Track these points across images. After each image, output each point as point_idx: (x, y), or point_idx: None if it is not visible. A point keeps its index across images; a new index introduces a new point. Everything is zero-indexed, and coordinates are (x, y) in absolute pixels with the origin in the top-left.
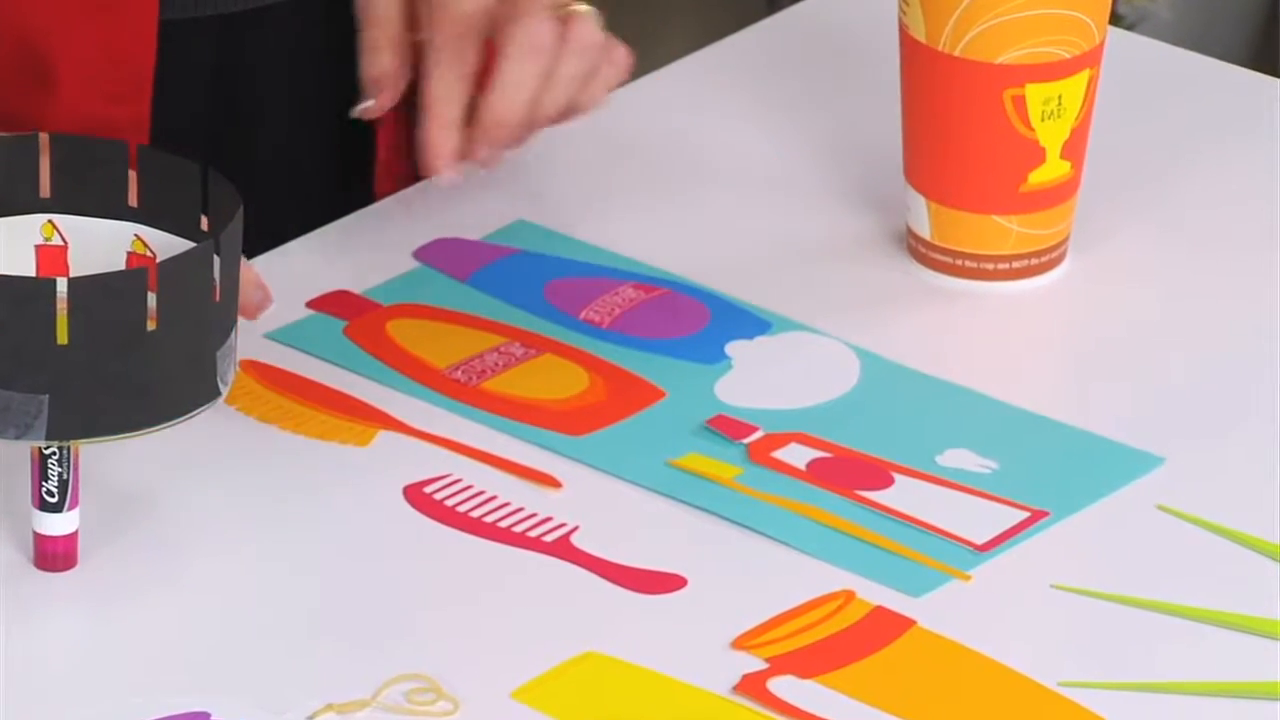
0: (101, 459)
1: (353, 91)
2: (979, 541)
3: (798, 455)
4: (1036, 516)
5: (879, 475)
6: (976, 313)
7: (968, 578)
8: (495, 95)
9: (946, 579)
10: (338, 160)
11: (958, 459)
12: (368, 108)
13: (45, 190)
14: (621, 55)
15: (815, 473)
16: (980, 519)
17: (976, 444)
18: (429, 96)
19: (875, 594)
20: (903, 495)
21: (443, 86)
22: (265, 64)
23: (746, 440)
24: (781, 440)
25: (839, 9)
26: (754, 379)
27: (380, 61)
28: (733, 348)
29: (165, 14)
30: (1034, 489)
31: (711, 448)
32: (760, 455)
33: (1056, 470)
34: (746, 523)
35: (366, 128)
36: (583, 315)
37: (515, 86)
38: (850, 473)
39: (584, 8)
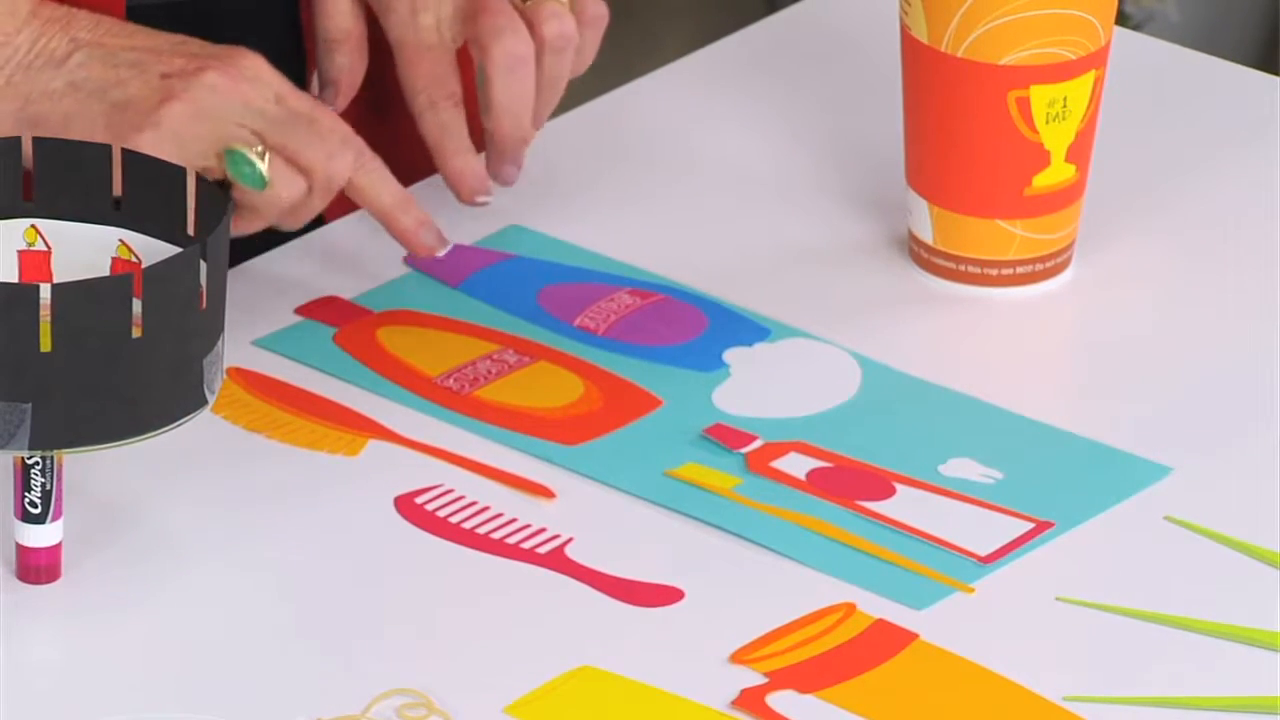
0: (85, 469)
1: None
2: (983, 553)
3: (797, 465)
4: (1041, 528)
5: (880, 485)
6: (980, 319)
7: (971, 590)
8: (496, 120)
9: (949, 591)
10: None
11: (961, 468)
12: (325, 96)
13: (28, 194)
14: (597, 13)
15: (815, 483)
16: (984, 530)
17: (980, 453)
18: (430, 134)
19: (877, 607)
20: (905, 506)
21: (439, 120)
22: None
23: (745, 450)
24: (781, 450)
25: (839, 9)
26: (753, 387)
27: (335, 61)
28: (731, 355)
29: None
30: (1039, 499)
31: (709, 457)
32: (759, 465)
33: (1062, 480)
34: (745, 534)
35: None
36: (577, 322)
37: (511, 107)
38: (851, 483)
39: None
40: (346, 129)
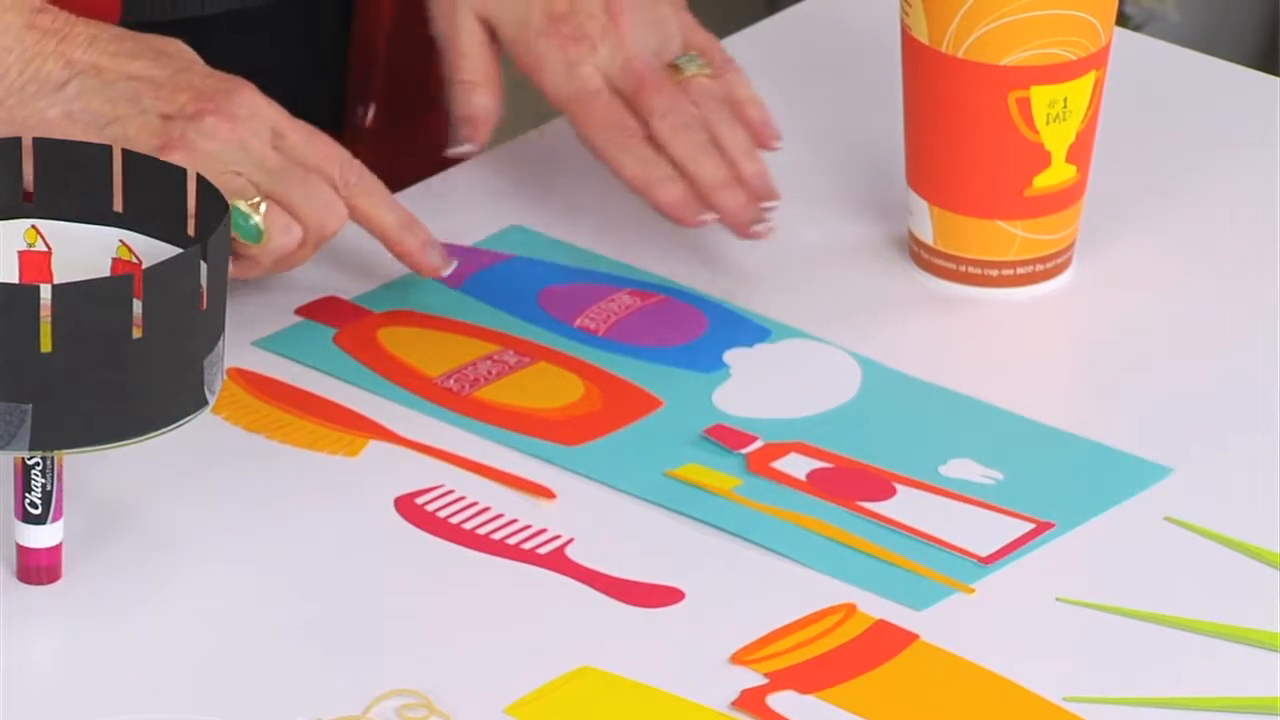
0: (86, 469)
1: (319, 101)
2: (983, 554)
3: (798, 465)
4: (1042, 528)
5: (881, 486)
6: (980, 320)
7: (971, 590)
8: (699, 179)
9: (950, 592)
10: None
11: (961, 469)
12: (463, 150)
13: (29, 195)
14: (733, 68)
15: (815, 483)
16: (984, 531)
17: (980, 454)
18: (633, 174)
19: (877, 607)
20: (905, 506)
21: (636, 158)
22: (230, 69)
23: (745, 450)
24: (781, 450)
25: (840, 10)
26: (753, 388)
27: (475, 100)
28: (731, 355)
29: (128, 17)
30: (1039, 500)
31: (710, 458)
32: (759, 466)
33: (1062, 481)
34: (745, 534)
35: (323, 128)
36: (578, 323)
37: (700, 164)
38: (851, 483)
39: (692, 68)
40: (342, 152)
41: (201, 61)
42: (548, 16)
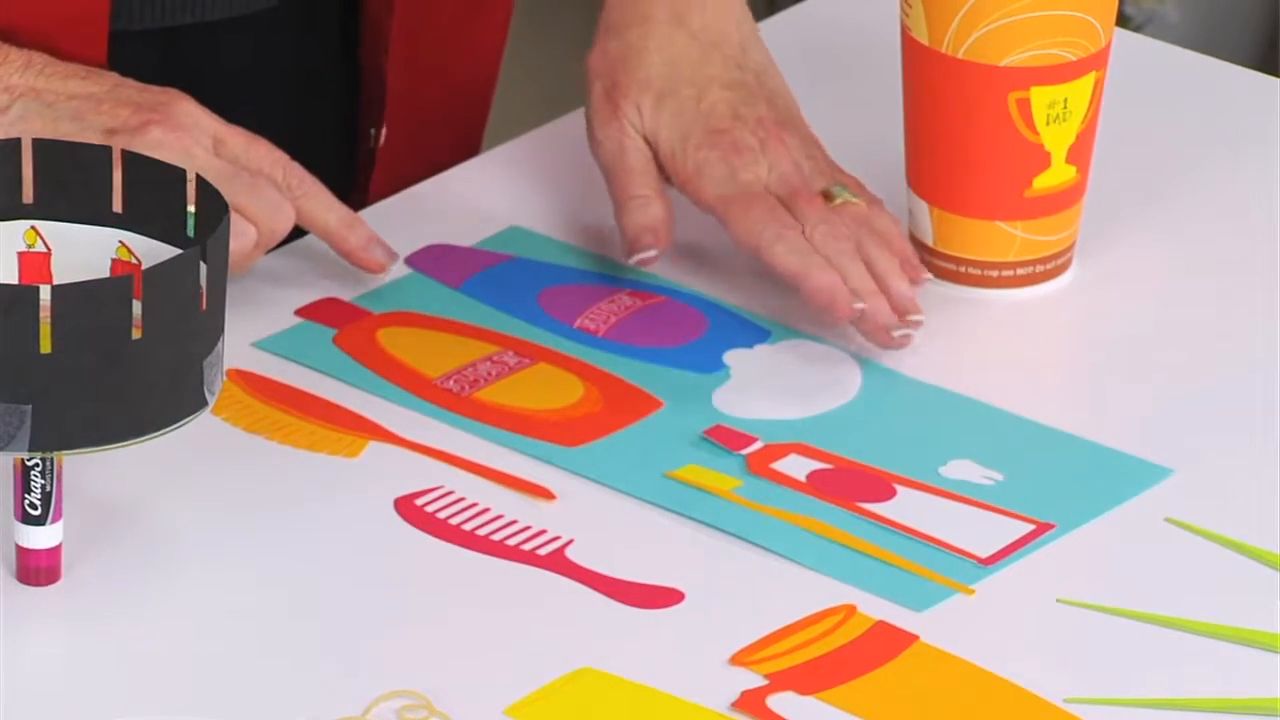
0: (85, 470)
1: (304, 107)
2: (983, 555)
3: (798, 466)
4: (1042, 529)
5: (881, 487)
6: (980, 321)
7: (971, 591)
8: (847, 282)
9: (950, 593)
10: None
11: (961, 470)
12: (648, 257)
13: (28, 196)
14: (880, 205)
15: (816, 484)
16: (985, 532)
17: (981, 455)
18: (788, 265)
19: (877, 608)
20: (905, 507)
21: (790, 248)
22: (212, 77)
23: (745, 451)
24: (781, 451)
25: (840, 10)
26: (753, 388)
27: (651, 211)
28: (731, 356)
29: (113, 25)
30: (1040, 501)
31: (710, 459)
32: (759, 467)
33: (1063, 482)
34: (746, 535)
35: (326, 141)
36: (578, 323)
37: (849, 269)
38: (851, 484)
39: (844, 195)
40: (282, 156)
41: (129, 79)
42: (707, 130)
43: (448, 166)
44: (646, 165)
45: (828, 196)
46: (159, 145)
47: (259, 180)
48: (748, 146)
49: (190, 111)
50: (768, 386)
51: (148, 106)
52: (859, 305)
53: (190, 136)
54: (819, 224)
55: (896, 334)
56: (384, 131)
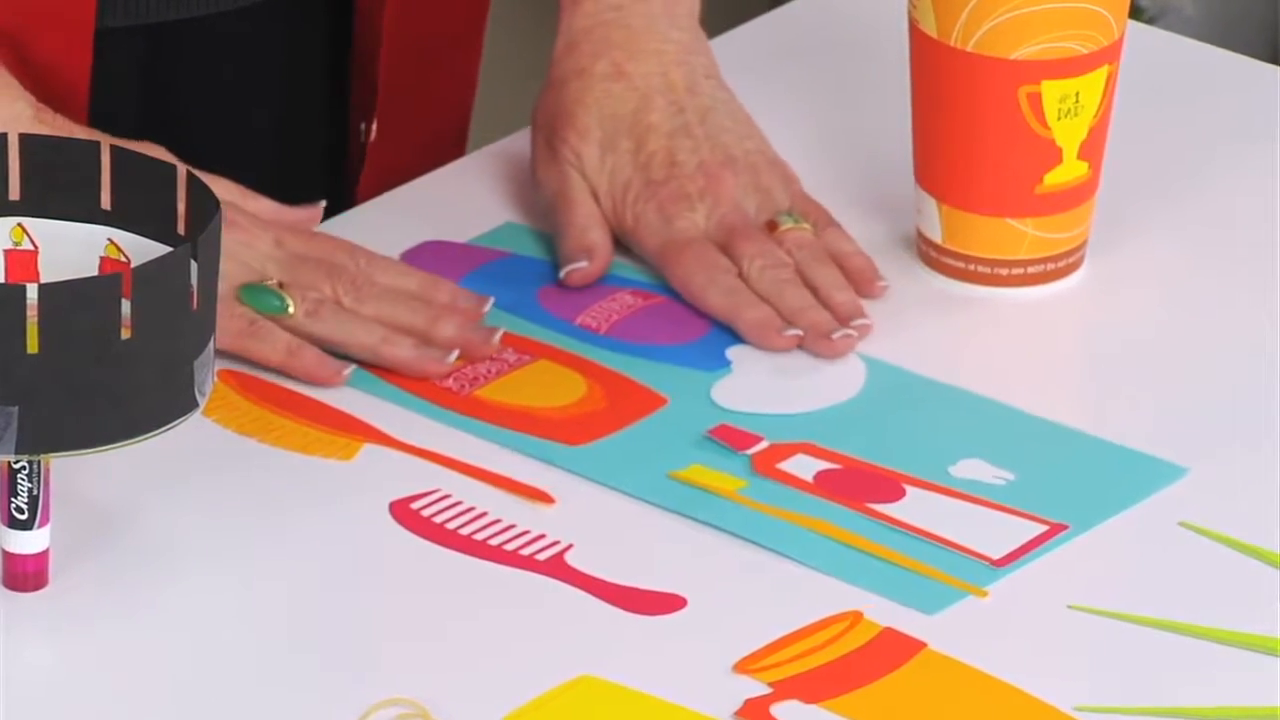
0: (73, 473)
1: (293, 103)
2: (996, 556)
3: (804, 466)
4: (1055, 530)
5: (890, 487)
6: (990, 320)
7: (984, 594)
8: (783, 307)
9: (962, 595)
10: (281, 171)
11: (972, 470)
12: (579, 268)
13: (15, 192)
14: (836, 228)
15: (823, 485)
16: (997, 533)
17: (991, 454)
18: (719, 306)
19: (886, 612)
20: (915, 508)
21: (722, 289)
22: (199, 73)
23: (750, 451)
24: (787, 451)
25: (845, 2)
26: (756, 383)
27: (591, 235)
28: (734, 351)
29: (99, 22)
30: (1053, 501)
31: (714, 459)
32: (765, 467)
33: (1076, 481)
34: (751, 537)
35: (315, 137)
36: (579, 321)
37: (785, 295)
38: (860, 485)
39: (788, 223)
40: (351, 245)
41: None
42: (645, 182)
43: (438, 163)
44: (587, 198)
45: (773, 226)
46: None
47: (323, 263)
48: (684, 195)
49: (245, 212)
50: (771, 382)
51: None
52: (792, 333)
53: (249, 233)
54: (755, 257)
55: (836, 336)
56: (375, 127)
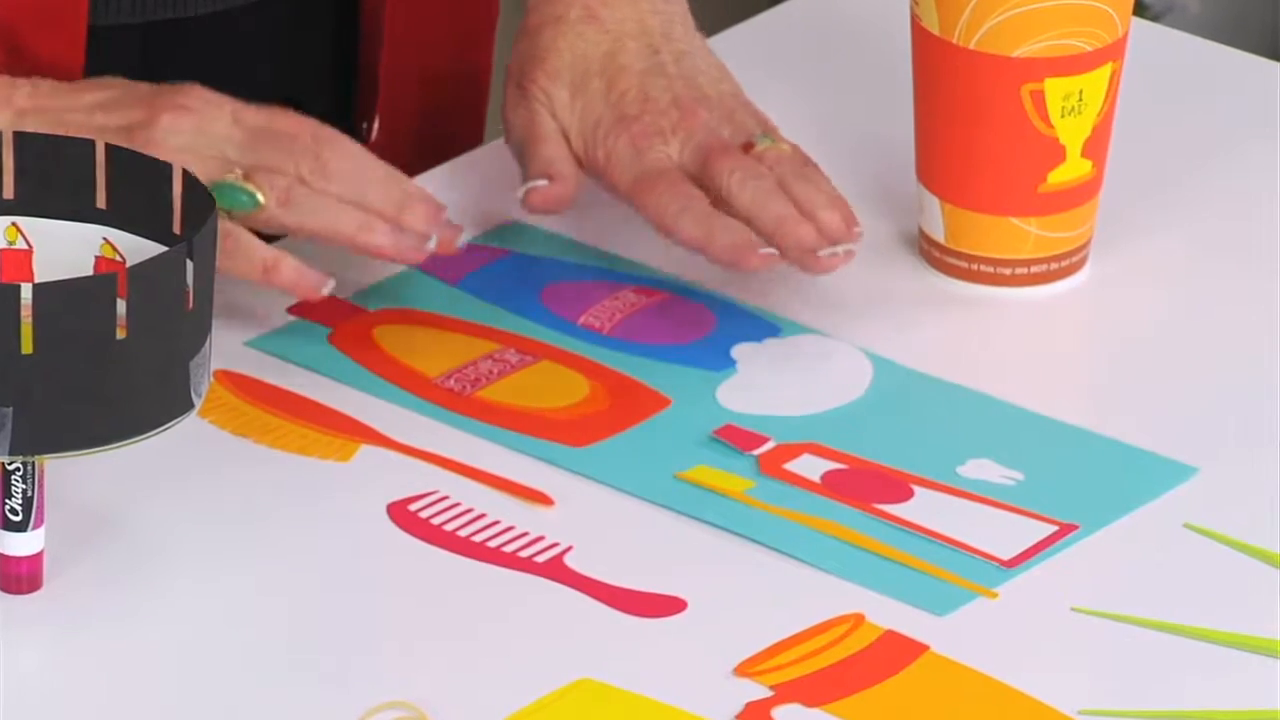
0: (68, 475)
1: (294, 102)
2: (1005, 557)
3: (811, 467)
4: (1065, 530)
5: (898, 487)
6: (993, 321)
7: (995, 595)
8: (765, 219)
9: (972, 596)
10: None
11: (980, 470)
12: (539, 186)
13: (9, 191)
14: (813, 165)
15: (830, 485)
16: (1007, 533)
17: (999, 454)
18: (695, 234)
19: (892, 614)
20: (923, 508)
21: (696, 217)
22: (195, 73)
23: (757, 452)
24: (794, 451)
25: None
26: (762, 384)
27: (556, 165)
28: (739, 350)
29: (92, 20)
30: (1062, 501)
31: (721, 459)
32: (772, 467)
33: (1086, 481)
34: (759, 538)
35: None
36: (582, 320)
37: (767, 206)
38: (867, 485)
39: (766, 143)
40: (313, 123)
41: (142, 83)
42: (616, 118)
43: (442, 160)
44: (557, 138)
45: (749, 147)
46: (175, 129)
47: (282, 137)
48: (657, 130)
49: (202, 94)
50: (777, 381)
51: (158, 100)
52: (767, 251)
53: (205, 115)
54: (734, 170)
55: (823, 254)
56: (376, 125)
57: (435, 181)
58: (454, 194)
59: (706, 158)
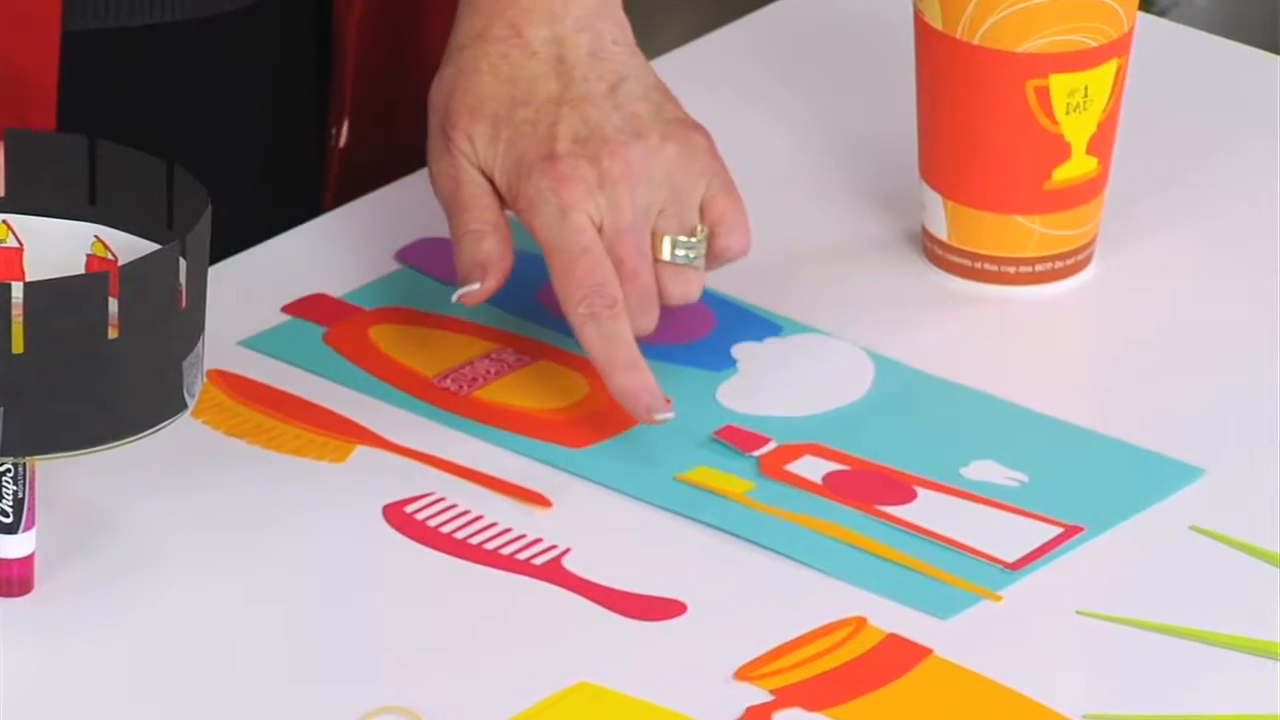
0: (59, 476)
1: (272, 107)
2: (1010, 559)
3: (813, 468)
4: (1071, 532)
5: (900, 489)
6: (998, 319)
7: (999, 598)
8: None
9: (976, 599)
10: (263, 172)
11: (984, 471)
12: (471, 291)
13: None
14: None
15: (832, 486)
16: (1011, 535)
17: (1003, 455)
18: (596, 348)
19: (895, 617)
20: (926, 510)
21: (602, 333)
22: (172, 79)
23: (758, 453)
24: (795, 452)
25: None
26: (762, 383)
27: (483, 246)
28: (740, 350)
29: (66, 25)
30: (1068, 503)
31: (721, 460)
32: (773, 468)
33: (1091, 483)
34: (760, 540)
35: (296, 142)
36: None
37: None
38: (870, 486)
39: (673, 253)
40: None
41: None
42: (541, 156)
43: (419, 167)
44: (482, 197)
45: (657, 240)
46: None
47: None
48: (581, 178)
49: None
50: (778, 381)
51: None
52: (663, 416)
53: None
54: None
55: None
56: (344, 132)
57: (413, 186)
58: (434, 200)
59: (610, 246)
